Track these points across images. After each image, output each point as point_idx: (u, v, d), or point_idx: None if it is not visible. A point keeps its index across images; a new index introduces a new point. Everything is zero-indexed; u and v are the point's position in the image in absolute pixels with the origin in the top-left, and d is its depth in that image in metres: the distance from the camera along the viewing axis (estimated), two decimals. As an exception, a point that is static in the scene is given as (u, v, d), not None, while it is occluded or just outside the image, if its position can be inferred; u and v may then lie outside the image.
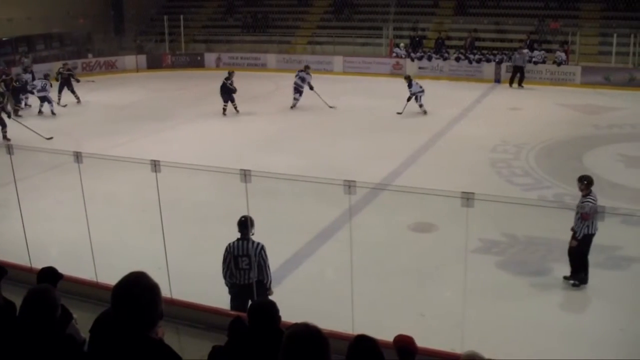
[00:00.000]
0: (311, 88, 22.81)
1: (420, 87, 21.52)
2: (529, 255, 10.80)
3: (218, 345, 4.93)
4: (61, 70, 24.55)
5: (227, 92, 21.84)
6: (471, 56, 29.29)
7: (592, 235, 9.25)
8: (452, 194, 7.01)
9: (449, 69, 29.54)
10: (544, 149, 17.05)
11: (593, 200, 9.22)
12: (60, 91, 23.76)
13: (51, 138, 17.83)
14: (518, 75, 26.92)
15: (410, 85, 21.37)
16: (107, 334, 3.07)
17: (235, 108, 22.04)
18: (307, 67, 23.79)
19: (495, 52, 28.89)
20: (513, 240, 11.18)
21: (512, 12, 31.71)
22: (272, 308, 4.62)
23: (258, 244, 7.90)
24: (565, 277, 9.55)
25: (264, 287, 7.95)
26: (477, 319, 8.14)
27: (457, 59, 29.46)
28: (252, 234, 7.98)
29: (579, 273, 9.42)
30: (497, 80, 27.90)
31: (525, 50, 27.81)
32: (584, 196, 9.37)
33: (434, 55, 30.09)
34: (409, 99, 21.21)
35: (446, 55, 30.01)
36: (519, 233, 11.32)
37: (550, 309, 9.04)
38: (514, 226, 11.39)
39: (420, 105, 21.43)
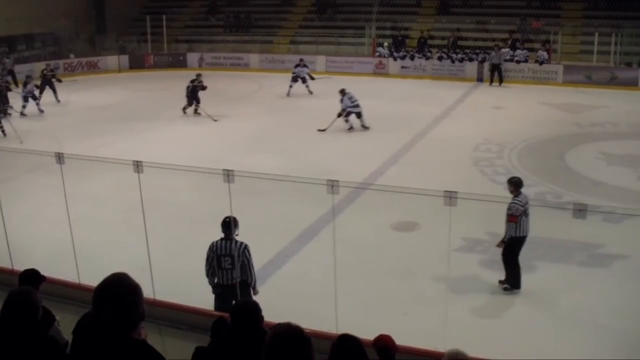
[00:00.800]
0: (312, 78, 25.62)
1: (354, 102, 19.26)
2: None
3: (201, 346, 4.92)
4: (45, 71, 24.49)
5: (193, 94, 21.66)
6: (454, 55, 29.41)
7: (522, 237, 9.22)
8: (434, 193, 7.03)
9: (431, 68, 29.65)
10: (527, 147, 17.15)
11: (519, 202, 9.16)
12: (41, 92, 23.57)
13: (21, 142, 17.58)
14: (497, 73, 27.16)
15: (341, 100, 19.40)
16: (89, 336, 3.05)
17: (196, 111, 21.67)
18: (301, 60, 26.06)
19: (477, 51, 29.04)
20: (496, 238, 11.21)
21: (495, 12, 31.91)
22: (255, 308, 4.62)
23: (241, 243, 7.88)
24: (500, 282, 9.44)
25: (247, 287, 7.92)
26: (460, 318, 8.17)
27: (440, 58, 29.58)
28: (237, 235, 7.97)
29: (510, 277, 9.33)
30: (480, 79, 28.05)
31: (506, 50, 28.00)
32: (513, 198, 9.29)
33: (416, 55, 30.18)
34: (338, 115, 19.21)
35: (429, 54, 30.11)
36: (502, 232, 11.35)
37: (534, 307, 9.09)
38: (497, 225, 11.40)
39: (353, 121, 19.37)
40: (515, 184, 9.35)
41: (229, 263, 7.78)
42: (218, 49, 33.92)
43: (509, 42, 29.16)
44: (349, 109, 19.24)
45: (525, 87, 26.70)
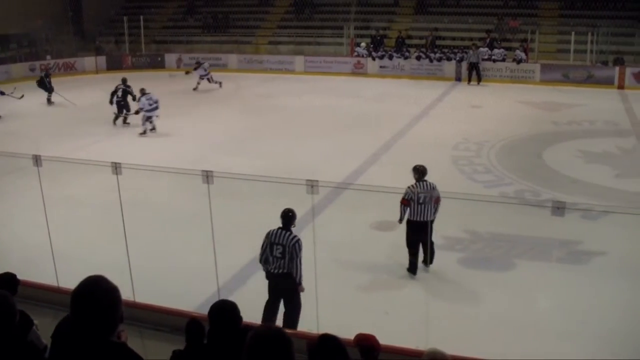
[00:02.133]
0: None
1: (152, 104, 19.09)
2: (491, 252, 10.91)
3: (179, 349, 4.89)
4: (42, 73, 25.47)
5: (125, 102, 20.91)
6: (432, 55, 29.54)
7: (415, 222, 9.61)
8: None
9: (410, 68, 29.77)
10: (505, 146, 17.26)
11: (410, 188, 9.65)
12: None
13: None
14: (475, 72, 27.34)
15: (138, 100, 19.40)
16: (68, 340, 3.02)
17: (125, 120, 20.83)
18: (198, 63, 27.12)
19: (455, 50, 29.20)
20: (476, 237, 11.29)
21: (472, 11, 32.13)
22: (233, 308, 4.57)
23: (295, 236, 8.00)
24: (407, 269, 9.86)
25: (293, 280, 7.99)
26: (440, 316, 8.20)
27: (418, 58, 29.74)
28: (294, 226, 8.09)
29: (410, 263, 9.78)
30: (458, 79, 28.22)
31: (484, 49, 28.17)
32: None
33: (395, 54, 30.28)
34: (136, 112, 19.59)
35: (407, 54, 30.21)
36: (481, 230, 11.43)
37: (514, 304, 9.14)
38: (476, 223, 11.49)
39: (145, 122, 19.32)
40: (417, 171, 9.95)
41: (280, 252, 7.95)
42: (196, 50, 33.78)
43: (487, 41, 29.33)
44: (145, 112, 19.13)
45: (503, 86, 26.88)
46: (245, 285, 9.54)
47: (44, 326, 5.42)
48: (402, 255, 10.13)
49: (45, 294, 8.06)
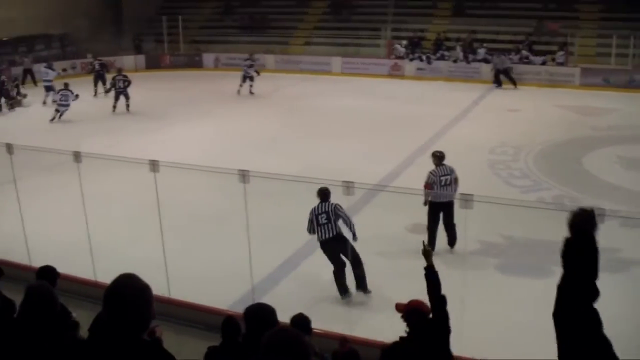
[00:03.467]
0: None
1: (62, 101, 21.50)
2: (527, 257, 10.79)
3: (213, 346, 4.92)
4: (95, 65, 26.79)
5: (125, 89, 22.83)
6: (471, 55, 29.33)
7: (441, 203, 10.43)
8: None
9: (447, 70, 29.59)
10: (543, 150, 17.07)
11: (433, 173, 10.56)
12: (95, 84, 26.02)
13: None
14: (506, 78, 27.12)
15: (57, 91, 21.96)
16: (100, 336, 3.04)
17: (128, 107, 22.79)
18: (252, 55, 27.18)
19: (493, 53, 28.89)
20: (511, 242, 11.18)
21: (511, 13, 31.69)
22: (269, 312, 4.54)
23: (333, 203, 8.98)
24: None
25: (344, 239, 8.96)
26: (475, 321, 8.13)
27: (455, 61, 29.49)
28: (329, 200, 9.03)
29: (429, 240, 10.24)
30: (496, 82, 27.91)
31: (507, 56, 27.83)
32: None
33: (432, 56, 30.12)
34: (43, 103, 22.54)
35: (447, 55, 30.02)
36: (517, 235, 11.31)
37: (549, 311, 9.01)
38: (512, 228, 11.38)
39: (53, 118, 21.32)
40: (436, 157, 10.76)
41: (324, 218, 8.92)
42: (233, 50, 33.98)
43: (526, 43, 29.06)
44: (58, 105, 21.53)
45: (541, 90, 26.56)
46: (279, 285, 9.58)
47: (82, 319, 5.51)
48: (438, 258, 10.06)
49: (83, 288, 8.20)
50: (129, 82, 22.80)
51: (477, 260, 9.97)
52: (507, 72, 27.11)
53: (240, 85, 25.73)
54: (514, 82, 26.99)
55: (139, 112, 22.59)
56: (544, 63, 28.03)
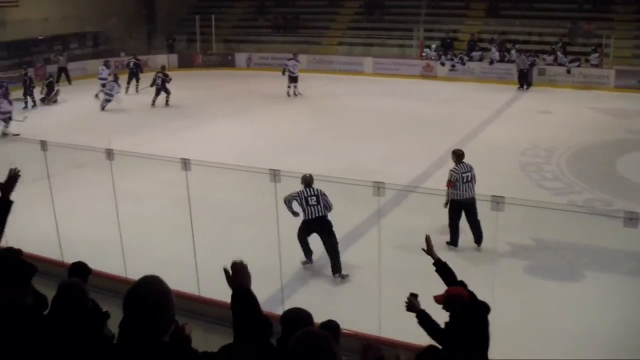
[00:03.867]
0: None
1: (110, 91, 22.95)
2: (557, 261, 10.68)
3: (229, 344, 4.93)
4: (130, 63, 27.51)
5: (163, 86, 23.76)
6: (506, 54, 29.10)
7: (460, 201, 10.74)
8: (481, 198, 6.98)
9: (480, 71, 29.39)
10: (575, 153, 16.88)
11: (455, 170, 10.88)
12: (128, 82, 26.85)
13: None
14: (526, 77, 26.99)
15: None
16: (123, 337, 3.06)
17: (167, 102, 23.73)
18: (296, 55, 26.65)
19: (527, 54, 28.63)
20: (542, 245, 11.08)
21: (545, 14, 31.40)
22: (307, 318, 4.56)
23: (319, 189, 9.74)
24: (446, 242, 10.78)
25: (328, 221, 9.71)
26: (504, 324, 8.06)
27: (492, 62, 29.26)
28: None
29: (451, 236, 10.83)
30: (529, 84, 27.67)
31: (527, 57, 27.58)
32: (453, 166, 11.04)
33: (464, 57, 29.94)
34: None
35: (481, 56, 29.82)
36: (548, 238, 11.21)
37: (578, 315, 8.93)
38: (543, 231, 11.28)
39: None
40: (456, 155, 11.14)
41: (314, 200, 9.66)
42: (266, 50, 34.13)
43: (560, 45, 28.78)
44: (105, 94, 22.97)
45: (575, 92, 26.28)
46: (307, 285, 9.60)
47: (112, 315, 5.57)
48: (468, 261, 10.04)
49: (114, 284, 8.27)
50: (169, 79, 23.83)
51: (506, 262, 9.88)
52: (523, 72, 26.89)
53: (289, 87, 25.60)
54: (529, 84, 26.79)
55: (173, 110, 22.80)
56: (578, 65, 27.67)
